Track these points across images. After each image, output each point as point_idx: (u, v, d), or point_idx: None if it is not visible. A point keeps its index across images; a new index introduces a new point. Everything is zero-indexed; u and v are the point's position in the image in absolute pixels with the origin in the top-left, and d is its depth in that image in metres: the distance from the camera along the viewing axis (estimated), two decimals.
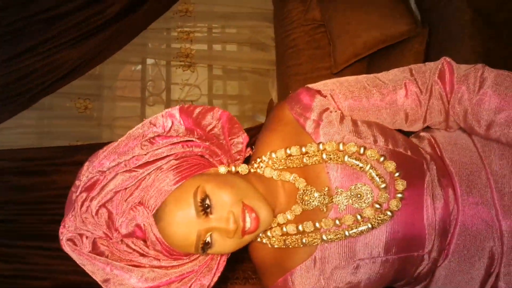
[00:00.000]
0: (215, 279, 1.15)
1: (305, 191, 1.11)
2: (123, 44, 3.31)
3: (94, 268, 1.07)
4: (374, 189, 1.08)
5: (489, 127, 1.12)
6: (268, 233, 1.14)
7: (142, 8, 3.17)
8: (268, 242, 1.15)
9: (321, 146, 1.11)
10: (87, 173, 1.08)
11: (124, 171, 1.06)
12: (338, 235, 1.07)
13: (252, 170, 1.17)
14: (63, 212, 1.13)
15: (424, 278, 1.18)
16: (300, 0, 3.10)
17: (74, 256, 1.08)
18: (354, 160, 1.09)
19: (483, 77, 1.12)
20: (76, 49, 3.03)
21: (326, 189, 1.10)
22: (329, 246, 1.08)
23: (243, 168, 1.16)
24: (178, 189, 1.04)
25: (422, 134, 1.28)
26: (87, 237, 1.08)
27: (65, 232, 1.08)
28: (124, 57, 3.59)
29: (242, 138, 1.22)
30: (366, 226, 1.06)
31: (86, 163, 1.11)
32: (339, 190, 1.09)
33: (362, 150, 1.09)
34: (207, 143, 1.13)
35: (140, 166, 1.06)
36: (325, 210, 1.09)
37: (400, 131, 1.23)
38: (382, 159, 1.09)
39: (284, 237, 1.13)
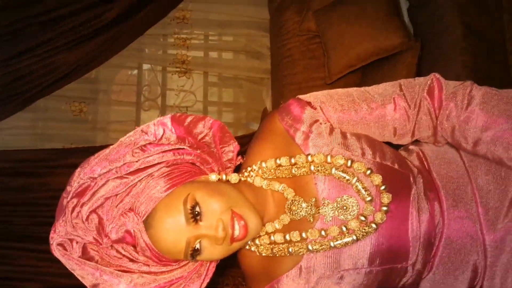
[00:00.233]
0: (204, 285, 1.16)
1: (293, 201, 1.13)
2: (120, 49, 3.33)
3: (83, 272, 1.08)
4: (360, 202, 1.10)
5: (476, 144, 1.14)
6: (257, 241, 1.16)
7: (140, 14, 3.19)
8: (256, 250, 1.16)
9: (309, 158, 1.13)
10: (78, 179, 1.10)
11: (115, 178, 1.07)
12: (324, 246, 1.09)
13: (242, 179, 1.19)
14: (55, 214, 1.13)
15: None
16: (296, 11, 3.14)
17: (64, 260, 1.09)
18: (341, 173, 1.11)
19: (471, 95, 1.14)
20: (73, 52, 3.04)
21: (314, 200, 1.11)
22: (315, 256, 1.10)
23: (233, 177, 1.17)
24: (168, 196, 1.05)
25: (411, 147, 1.30)
26: (77, 242, 1.09)
27: (56, 237, 1.09)
28: (121, 61, 3.61)
29: (233, 147, 1.24)
30: (351, 238, 1.08)
31: (78, 169, 1.12)
32: (325, 202, 1.11)
33: (349, 163, 1.11)
34: (198, 151, 1.15)
35: (131, 173, 1.07)
36: (312, 220, 1.11)
37: (389, 143, 1.25)
38: (368, 172, 1.11)
39: (271, 246, 1.14)
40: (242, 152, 1.27)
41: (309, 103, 1.20)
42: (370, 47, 2.61)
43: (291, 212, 1.13)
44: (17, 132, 3.49)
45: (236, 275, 2.56)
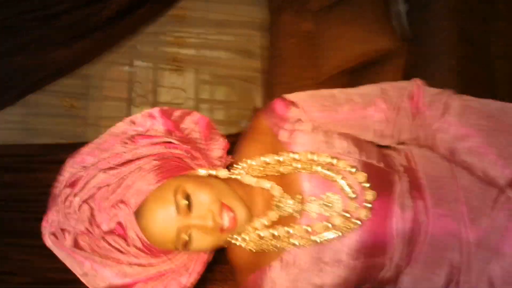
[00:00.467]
0: (193, 279, 1.19)
1: (280, 198, 1.16)
2: (113, 46, 3.33)
3: (74, 262, 1.10)
4: (344, 199, 1.14)
5: (451, 153, 1.18)
6: (245, 237, 1.19)
7: (137, 12, 3.18)
8: (244, 244, 1.20)
9: (295, 156, 1.17)
10: (70, 168, 1.13)
11: (106, 168, 1.10)
12: (308, 241, 1.13)
13: (232, 177, 1.22)
14: (45, 210, 1.16)
15: (388, 282, 1.24)
16: (295, 11, 3.15)
17: (55, 249, 1.12)
18: (326, 171, 1.14)
19: (447, 105, 1.17)
20: (67, 49, 3.03)
21: (300, 196, 1.15)
22: (298, 250, 1.14)
23: (222, 173, 1.21)
24: (159, 188, 1.08)
25: (400, 147, 1.33)
26: (69, 233, 1.11)
27: (48, 226, 1.12)
28: (113, 57, 3.60)
29: (221, 144, 1.27)
30: (335, 234, 1.12)
31: (69, 159, 1.15)
32: (311, 199, 1.15)
33: (334, 161, 1.15)
34: (187, 146, 1.18)
35: (122, 164, 1.11)
36: (298, 217, 1.15)
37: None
38: (353, 170, 1.14)
39: (259, 241, 1.18)
40: (231, 151, 1.29)
41: (293, 103, 1.24)
42: (359, 49, 2.66)
43: (279, 209, 1.16)
44: (7, 127, 3.48)
45: (224, 270, 2.57)
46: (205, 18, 3.75)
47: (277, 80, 3.10)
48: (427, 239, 1.18)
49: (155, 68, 3.76)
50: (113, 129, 1.17)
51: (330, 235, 1.12)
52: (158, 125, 1.18)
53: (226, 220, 1.08)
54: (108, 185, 1.10)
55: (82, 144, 1.18)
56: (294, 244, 1.13)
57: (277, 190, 1.17)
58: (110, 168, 1.10)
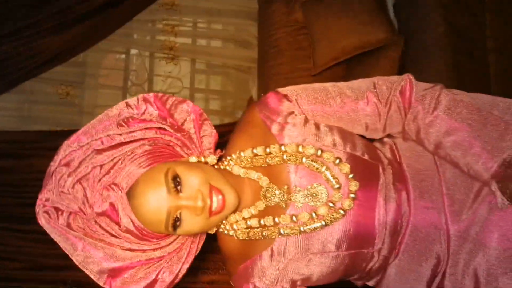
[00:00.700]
0: (185, 267, 1.21)
1: (267, 188, 1.18)
2: (108, 34, 3.33)
3: (66, 243, 1.13)
4: (329, 189, 1.16)
5: (437, 147, 1.20)
6: (234, 226, 1.22)
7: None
8: (234, 234, 1.22)
9: (283, 148, 1.19)
10: (65, 147, 1.15)
11: (100, 149, 1.12)
12: (294, 230, 1.15)
13: (222, 167, 1.25)
14: (38, 196, 1.17)
15: (376, 274, 1.26)
16: (284, 2, 3.15)
17: (48, 228, 1.14)
18: (311, 162, 1.16)
19: (439, 100, 1.18)
20: (60, 36, 3.03)
21: (286, 187, 1.17)
22: (286, 240, 1.16)
23: (212, 159, 1.23)
24: (150, 170, 1.10)
25: (385, 139, 1.35)
26: (62, 212, 1.14)
27: (42, 205, 1.14)
28: (108, 46, 3.61)
29: (211, 135, 1.28)
30: (320, 223, 1.14)
31: (65, 141, 1.17)
32: (297, 189, 1.17)
33: (319, 152, 1.17)
34: (179, 134, 1.20)
35: (115, 146, 1.13)
36: (284, 206, 1.17)
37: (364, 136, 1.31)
38: (337, 161, 1.16)
39: (247, 230, 1.20)
40: (224, 141, 1.31)
41: (286, 96, 1.26)
42: (355, 40, 2.65)
43: (266, 199, 1.18)
44: (3, 114, 3.49)
45: (216, 260, 2.59)
46: (196, 6, 3.75)
47: (272, 71, 3.11)
48: (411, 230, 1.20)
49: (151, 57, 3.76)
50: (109, 111, 1.19)
51: (316, 224, 1.14)
52: (153, 110, 1.20)
53: (215, 202, 1.10)
54: (101, 166, 1.12)
55: (77, 131, 1.20)
56: (281, 234, 1.16)
57: (264, 181, 1.19)
58: (104, 149, 1.13)
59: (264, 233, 1.17)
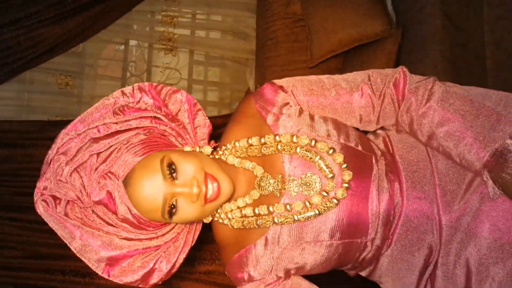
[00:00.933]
0: (182, 257, 1.23)
1: (262, 177, 1.20)
2: (107, 24, 3.33)
3: (64, 231, 1.15)
4: (323, 179, 1.18)
5: (429, 138, 1.21)
6: (229, 215, 1.23)
7: None
8: (228, 223, 1.24)
9: (277, 138, 1.20)
10: (63, 135, 1.17)
11: (97, 138, 1.14)
12: (288, 219, 1.17)
13: (216, 157, 1.26)
14: (36, 184, 1.19)
15: (368, 263, 1.28)
16: None
17: (46, 217, 1.16)
18: (305, 152, 1.18)
19: (432, 91, 1.20)
20: (59, 26, 3.04)
21: (280, 176, 1.19)
22: (280, 229, 1.18)
23: (206, 149, 1.25)
24: (145, 158, 1.12)
25: (378, 131, 1.37)
26: (60, 201, 1.16)
27: (40, 193, 1.16)
28: (108, 36, 3.62)
29: (205, 125, 1.30)
30: (313, 212, 1.16)
31: (63, 130, 1.18)
32: (291, 178, 1.18)
33: (313, 142, 1.19)
34: (173, 124, 1.22)
35: (111, 135, 1.15)
36: (278, 195, 1.19)
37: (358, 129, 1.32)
38: (331, 151, 1.18)
39: (242, 219, 1.22)
40: (222, 133, 1.33)
41: (281, 87, 1.27)
42: (352, 33, 2.65)
43: (260, 188, 1.20)
44: (2, 103, 3.50)
45: (213, 250, 2.60)
46: None
47: (269, 63, 3.11)
48: (403, 221, 1.22)
49: (150, 48, 3.77)
50: (105, 99, 1.21)
51: (309, 213, 1.16)
52: (148, 99, 1.21)
53: (210, 189, 1.11)
54: (97, 155, 1.14)
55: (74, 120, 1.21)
56: (275, 222, 1.17)
57: (258, 170, 1.21)
58: (100, 138, 1.15)
59: (258, 222, 1.19)
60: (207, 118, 1.29)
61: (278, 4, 3.14)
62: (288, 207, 1.17)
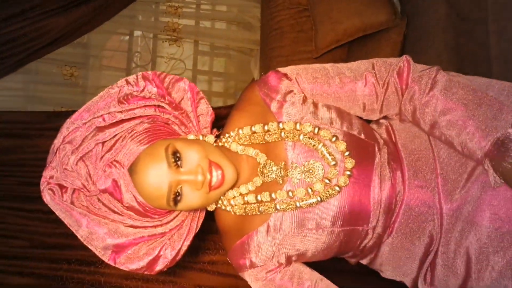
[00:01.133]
0: (186, 244, 1.24)
1: (265, 165, 1.21)
2: (112, 15, 3.33)
3: (71, 219, 1.16)
4: (325, 166, 1.19)
5: (432, 127, 1.20)
6: (232, 202, 1.24)
7: None
8: (231, 209, 1.25)
9: (280, 125, 1.21)
10: (68, 124, 1.18)
11: (102, 126, 1.15)
12: (290, 206, 1.18)
13: (220, 144, 1.27)
14: (43, 173, 1.20)
15: (370, 251, 1.29)
16: None
17: (53, 205, 1.17)
18: (308, 139, 1.19)
19: (435, 80, 1.20)
20: (64, 17, 3.04)
21: (283, 163, 1.20)
22: (282, 215, 1.19)
23: (210, 138, 1.25)
24: (150, 146, 1.13)
25: (381, 121, 1.37)
26: (66, 189, 1.17)
27: (46, 182, 1.17)
28: (112, 27, 3.62)
29: (208, 113, 1.31)
30: (316, 199, 1.17)
31: (68, 119, 1.19)
32: (294, 165, 1.19)
33: (316, 130, 1.19)
34: (177, 113, 1.23)
35: (116, 123, 1.16)
36: (281, 182, 1.20)
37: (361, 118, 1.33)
38: (334, 139, 1.19)
39: (244, 206, 1.23)
40: (222, 122, 1.34)
41: (285, 75, 1.28)
42: (357, 22, 2.64)
43: (263, 175, 1.21)
44: (8, 94, 3.52)
45: (217, 240, 2.60)
46: None
47: (274, 54, 3.11)
48: (404, 209, 1.23)
49: (155, 38, 3.77)
50: (110, 88, 1.22)
51: (311, 200, 1.17)
52: (151, 88, 1.22)
53: (214, 176, 1.12)
54: (103, 143, 1.15)
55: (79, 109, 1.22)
56: (277, 209, 1.18)
57: (261, 157, 1.22)
58: (105, 127, 1.15)
59: (260, 209, 1.20)
60: (209, 106, 1.30)
61: None
62: (290, 193, 1.18)
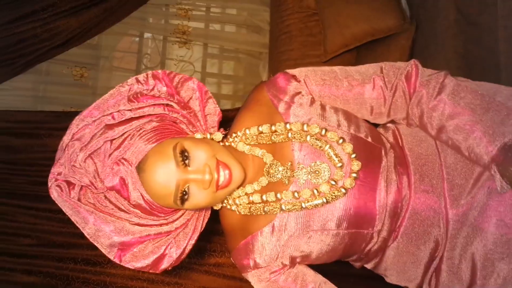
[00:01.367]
0: (191, 243, 1.24)
1: (271, 165, 1.22)
2: (122, 17, 3.36)
3: (78, 216, 1.16)
4: (332, 168, 1.19)
5: (439, 131, 1.21)
6: (237, 201, 1.25)
7: None
8: (236, 209, 1.25)
9: (288, 126, 1.22)
10: (78, 122, 1.19)
11: (111, 124, 1.16)
12: (296, 206, 1.18)
13: (227, 144, 1.28)
14: (51, 170, 1.21)
15: (374, 255, 1.29)
16: None
17: (60, 201, 1.17)
18: (315, 140, 1.19)
19: (443, 84, 1.20)
20: (75, 18, 3.07)
21: (289, 164, 1.20)
22: (287, 216, 1.19)
23: (217, 136, 1.26)
24: (158, 145, 1.13)
25: (388, 125, 1.38)
26: (74, 186, 1.18)
27: (54, 178, 1.18)
28: (123, 29, 3.64)
29: (216, 113, 1.31)
30: (321, 200, 1.17)
31: (78, 116, 1.20)
32: (300, 166, 1.20)
33: (323, 131, 1.20)
34: (185, 112, 1.23)
35: (125, 121, 1.17)
36: (287, 182, 1.20)
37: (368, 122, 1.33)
38: (340, 141, 1.19)
39: (249, 205, 1.23)
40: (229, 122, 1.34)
41: (294, 76, 1.28)
42: (366, 27, 2.65)
43: (269, 175, 1.22)
44: (18, 93, 3.53)
45: (223, 242, 2.61)
46: None
47: (283, 57, 3.12)
48: (410, 213, 1.22)
49: (165, 40, 3.79)
50: (120, 86, 1.22)
51: (317, 201, 1.17)
52: (161, 87, 1.23)
53: (222, 176, 1.13)
54: (111, 141, 1.16)
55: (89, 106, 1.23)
56: (283, 209, 1.19)
57: (268, 158, 1.22)
58: (114, 125, 1.16)
59: (266, 209, 1.20)
60: (217, 106, 1.31)
61: None
62: (296, 194, 1.18)
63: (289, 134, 1.21)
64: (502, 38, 2.34)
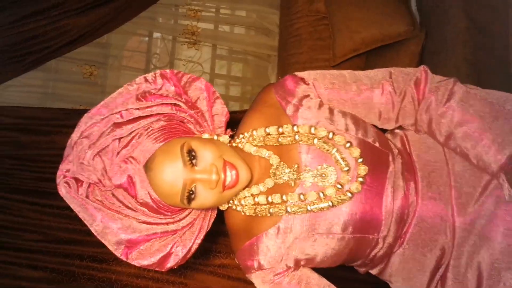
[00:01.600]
0: (197, 242, 1.25)
1: (278, 166, 1.22)
2: (132, 16, 3.36)
3: (86, 213, 1.17)
4: (338, 171, 1.19)
5: (448, 138, 1.21)
6: (242, 202, 1.25)
7: None
8: (241, 209, 1.25)
9: (295, 128, 1.22)
10: (86, 119, 1.19)
11: (119, 122, 1.17)
12: (301, 209, 1.18)
13: (234, 144, 1.28)
14: (59, 167, 1.22)
15: (380, 261, 1.29)
16: None
17: (68, 198, 1.18)
18: (322, 143, 1.19)
19: (452, 91, 1.20)
20: (85, 17, 3.07)
21: (296, 166, 1.20)
22: (293, 218, 1.19)
23: (224, 138, 1.26)
24: (166, 144, 1.14)
25: (396, 131, 1.38)
26: (81, 185, 1.18)
27: (62, 175, 1.19)
28: (132, 28, 3.66)
29: (223, 114, 1.31)
30: (327, 204, 1.17)
31: (86, 113, 1.21)
32: (307, 169, 1.20)
33: (331, 135, 1.20)
34: (193, 112, 1.24)
35: (133, 120, 1.17)
36: (293, 185, 1.20)
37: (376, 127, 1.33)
38: (348, 145, 1.19)
39: (255, 206, 1.23)
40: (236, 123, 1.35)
41: (303, 79, 1.29)
42: (375, 32, 2.65)
43: (275, 177, 1.22)
44: (28, 90, 3.57)
45: (229, 243, 2.59)
46: None
47: (291, 60, 3.12)
48: (417, 220, 1.22)
49: (174, 41, 3.80)
50: (128, 85, 1.23)
51: (323, 204, 1.17)
52: (169, 86, 1.24)
53: (228, 176, 1.13)
54: (119, 139, 1.16)
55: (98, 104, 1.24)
56: (288, 211, 1.19)
57: (274, 159, 1.23)
58: (123, 123, 1.17)
59: (271, 210, 1.20)
60: (225, 106, 1.31)
61: (302, 1, 3.15)
62: (301, 197, 1.18)
63: (296, 137, 1.21)
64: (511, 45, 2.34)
